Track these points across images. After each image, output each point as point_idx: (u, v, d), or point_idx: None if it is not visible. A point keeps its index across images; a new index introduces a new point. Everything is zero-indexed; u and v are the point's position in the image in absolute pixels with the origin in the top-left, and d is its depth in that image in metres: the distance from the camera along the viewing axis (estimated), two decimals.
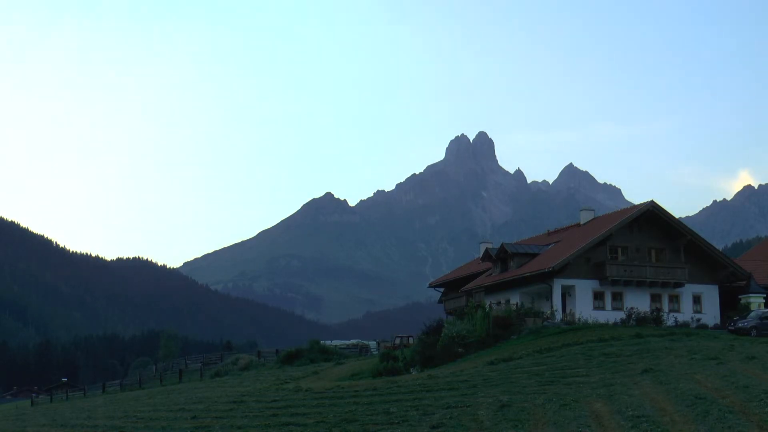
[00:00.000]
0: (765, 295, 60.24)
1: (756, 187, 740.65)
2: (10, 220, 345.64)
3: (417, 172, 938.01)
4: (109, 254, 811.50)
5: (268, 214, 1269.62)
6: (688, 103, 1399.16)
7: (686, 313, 60.07)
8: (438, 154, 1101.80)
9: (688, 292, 61.24)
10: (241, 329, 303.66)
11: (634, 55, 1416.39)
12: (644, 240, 61.26)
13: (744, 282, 61.73)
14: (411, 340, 68.30)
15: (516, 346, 46.76)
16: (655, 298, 60.29)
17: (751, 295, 59.93)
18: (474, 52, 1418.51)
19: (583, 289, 58.81)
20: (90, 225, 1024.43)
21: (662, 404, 25.18)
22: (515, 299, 60.11)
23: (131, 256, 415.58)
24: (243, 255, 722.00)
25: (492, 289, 63.84)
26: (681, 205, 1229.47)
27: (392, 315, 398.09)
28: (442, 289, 79.47)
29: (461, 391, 32.13)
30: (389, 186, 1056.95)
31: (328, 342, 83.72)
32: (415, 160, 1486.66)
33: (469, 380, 35.17)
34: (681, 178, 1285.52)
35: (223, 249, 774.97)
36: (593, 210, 71.30)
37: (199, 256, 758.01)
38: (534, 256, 63.11)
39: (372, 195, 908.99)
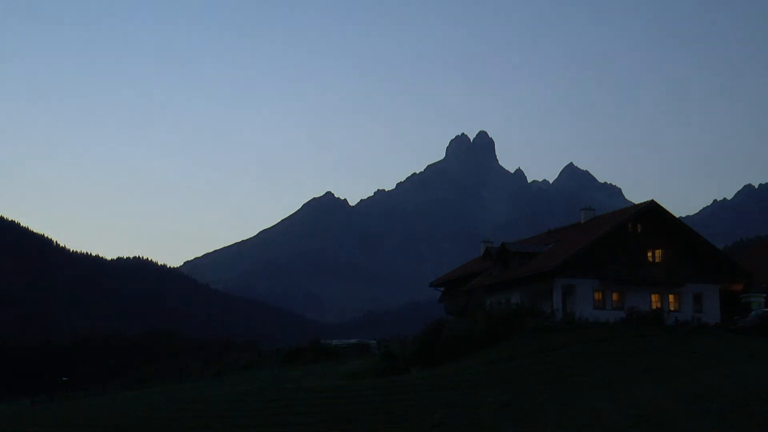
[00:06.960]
0: (765, 295, 60.24)
1: (756, 187, 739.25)
2: (10, 219, 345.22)
3: (417, 171, 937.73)
4: (109, 254, 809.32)
5: (268, 213, 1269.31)
6: (688, 102, 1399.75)
7: (687, 312, 59.99)
8: (438, 154, 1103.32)
9: (688, 291, 61.22)
10: (241, 329, 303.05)
11: (634, 55, 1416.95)
12: (644, 239, 61.20)
13: (744, 282, 61.73)
14: None
15: (517, 345, 46.76)
16: (656, 298, 60.31)
17: (751, 294, 59.94)
18: (474, 51, 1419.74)
19: (584, 288, 58.75)
20: (90, 225, 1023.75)
21: (663, 403, 25.18)
22: (516, 299, 60.06)
23: (131, 256, 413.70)
24: (243, 254, 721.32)
25: (493, 289, 63.80)
26: (681, 205, 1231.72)
27: (393, 314, 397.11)
28: (442, 289, 79.35)
29: (462, 391, 32.15)
30: (389, 185, 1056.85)
31: (328, 341, 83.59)
32: (416, 159, 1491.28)
33: (470, 379, 35.18)
34: (681, 178, 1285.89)
35: (224, 248, 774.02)
36: (593, 210, 71.09)
37: (199, 255, 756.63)
38: (534, 255, 63.07)
39: (372, 194, 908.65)
